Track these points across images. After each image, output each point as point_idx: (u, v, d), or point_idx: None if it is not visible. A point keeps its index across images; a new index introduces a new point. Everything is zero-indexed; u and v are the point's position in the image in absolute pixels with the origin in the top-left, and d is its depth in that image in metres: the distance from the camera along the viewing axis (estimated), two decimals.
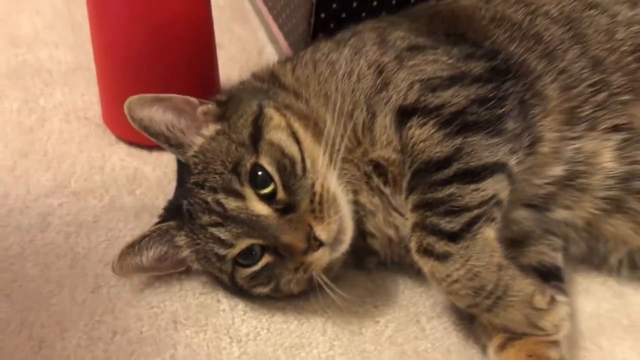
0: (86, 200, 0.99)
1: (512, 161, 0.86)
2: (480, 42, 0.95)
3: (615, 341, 0.89)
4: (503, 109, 0.87)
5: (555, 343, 0.83)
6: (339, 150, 0.87)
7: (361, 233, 0.90)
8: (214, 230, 0.81)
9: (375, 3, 1.12)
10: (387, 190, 0.89)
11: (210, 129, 0.85)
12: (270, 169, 0.81)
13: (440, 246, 0.80)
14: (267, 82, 0.95)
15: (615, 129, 0.90)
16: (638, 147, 0.90)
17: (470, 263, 0.78)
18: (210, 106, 0.87)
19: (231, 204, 0.80)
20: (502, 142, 0.85)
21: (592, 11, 0.97)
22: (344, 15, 1.10)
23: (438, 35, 0.97)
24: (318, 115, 0.91)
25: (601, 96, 0.91)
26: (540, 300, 0.77)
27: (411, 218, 0.83)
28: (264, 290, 0.83)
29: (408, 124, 0.86)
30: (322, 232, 0.80)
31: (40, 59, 1.27)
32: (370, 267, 0.96)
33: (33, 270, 0.88)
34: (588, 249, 0.98)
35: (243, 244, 0.80)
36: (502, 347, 0.84)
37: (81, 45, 1.29)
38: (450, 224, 0.80)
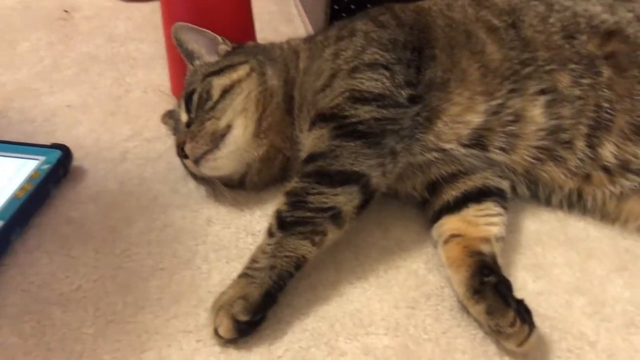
0: (154, 144, 1.24)
1: (375, 174, 0.90)
2: (424, 62, 0.99)
3: (548, 250, 1.00)
4: (392, 127, 0.92)
5: (487, 240, 0.94)
6: (268, 118, 1.04)
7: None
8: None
9: None
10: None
11: (213, 59, 1.12)
12: (195, 97, 1.06)
13: (273, 227, 0.89)
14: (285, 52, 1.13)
15: (542, 92, 0.98)
16: (562, 105, 0.98)
17: (276, 253, 0.86)
18: (225, 47, 1.13)
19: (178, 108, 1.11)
20: (373, 155, 0.89)
21: (535, 2, 1.07)
22: (353, 7, 1.27)
23: (405, 51, 0.99)
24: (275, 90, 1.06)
25: (529, 69, 0.99)
26: None
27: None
28: None
29: (317, 125, 0.95)
30: (186, 148, 1.01)
31: (129, 50, 1.56)
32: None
33: (113, 186, 1.13)
34: (530, 192, 1.06)
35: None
36: (446, 241, 0.96)
37: (160, 41, 1.53)
38: (288, 214, 0.88)
